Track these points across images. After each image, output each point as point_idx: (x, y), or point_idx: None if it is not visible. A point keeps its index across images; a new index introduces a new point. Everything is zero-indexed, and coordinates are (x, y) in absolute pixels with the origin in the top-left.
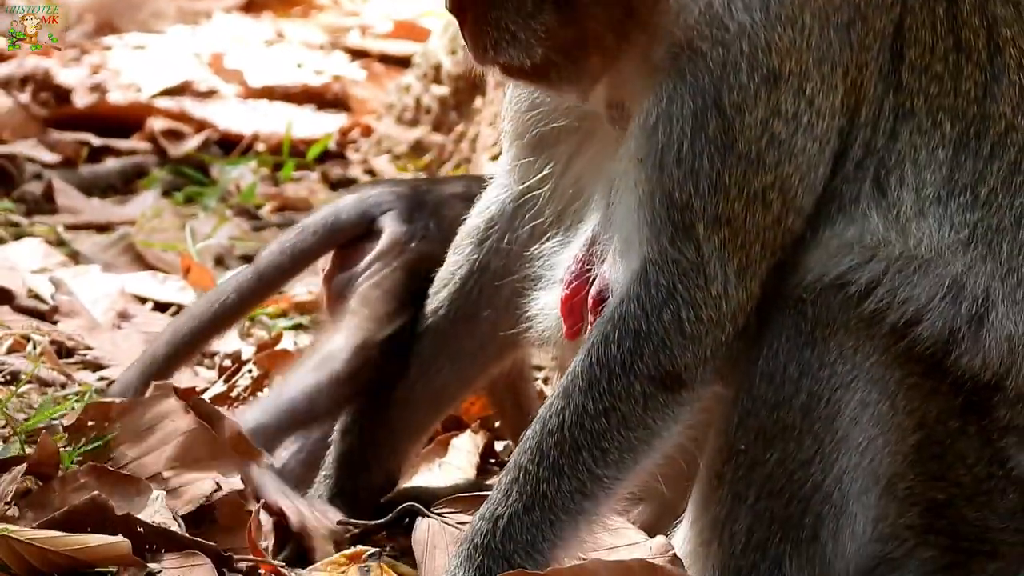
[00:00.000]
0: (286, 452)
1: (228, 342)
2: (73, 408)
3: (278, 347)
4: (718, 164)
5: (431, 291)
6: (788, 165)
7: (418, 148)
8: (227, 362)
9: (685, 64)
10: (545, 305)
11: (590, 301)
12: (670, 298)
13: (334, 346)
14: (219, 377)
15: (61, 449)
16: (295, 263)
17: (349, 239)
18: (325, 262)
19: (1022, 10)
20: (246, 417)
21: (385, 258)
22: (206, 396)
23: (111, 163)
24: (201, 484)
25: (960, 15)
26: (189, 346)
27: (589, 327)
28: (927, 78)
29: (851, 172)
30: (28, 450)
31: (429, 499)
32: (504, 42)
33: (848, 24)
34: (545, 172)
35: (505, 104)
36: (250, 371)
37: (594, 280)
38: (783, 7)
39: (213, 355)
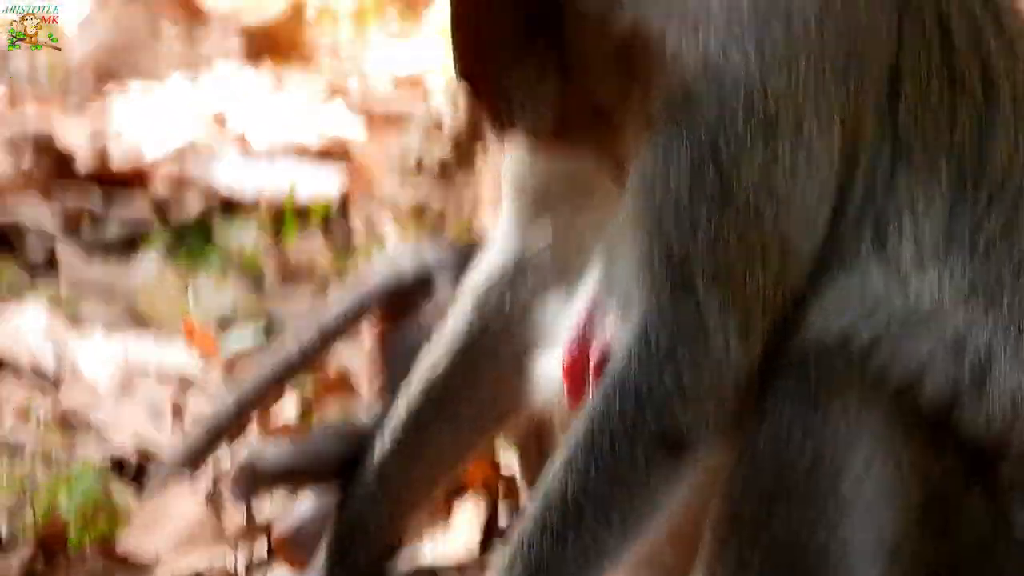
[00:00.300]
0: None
1: None
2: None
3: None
4: (716, 217)
5: (429, 353)
6: (787, 217)
7: (421, 208)
8: None
9: (681, 116)
10: (546, 368)
11: (592, 366)
12: (670, 358)
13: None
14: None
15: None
16: (356, 317)
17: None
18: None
19: (1015, 44)
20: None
21: (440, 317)
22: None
23: (113, 226)
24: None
25: (954, 49)
26: (253, 404)
27: (591, 390)
28: (924, 120)
29: (850, 224)
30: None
31: (431, 573)
32: (516, 107)
33: (844, 66)
34: (546, 232)
35: (506, 163)
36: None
37: (596, 343)
38: (777, 52)
39: None
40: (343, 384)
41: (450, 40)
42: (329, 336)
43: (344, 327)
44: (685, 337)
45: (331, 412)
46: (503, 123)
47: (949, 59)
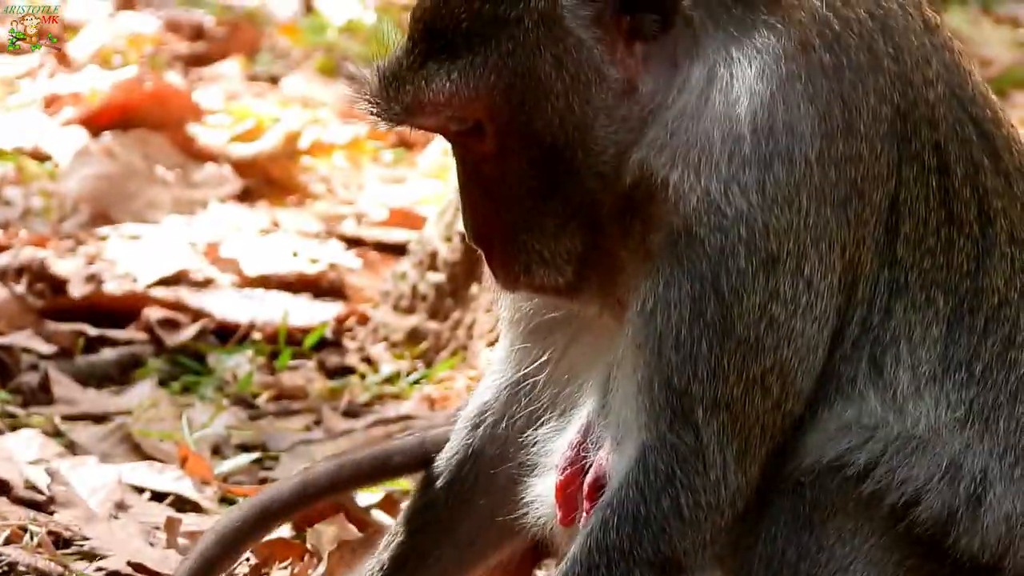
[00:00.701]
0: None
1: None
2: None
3: (275, 536)
4: (717, 349)
5: (427, 477)
6: (787, 348)
7: (415, 336)
8: None
9: (683, 250)
10: (541, 492)
11: (586, 488)
12: (669, 484)
13: None
14: None
15: None
16: (342, 484)
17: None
18: None
19: (1012, 181)
20: None
21: None
22: None
23: (107, 353)
24: None
25: (951, 187)
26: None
27: (585, 514)
28: (921, 252)
29: (848, 351)
30: None
31: None
32: (535, 264)
33: (845, 200)
34: (542, 359)
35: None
36: (247, 559)
37: (590, 467)
38: (780, 189)
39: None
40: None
41: (459, 205)
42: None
43: (327, 488)
44: (684, 464)
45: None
46: (517, 280)
47: (947, 196)
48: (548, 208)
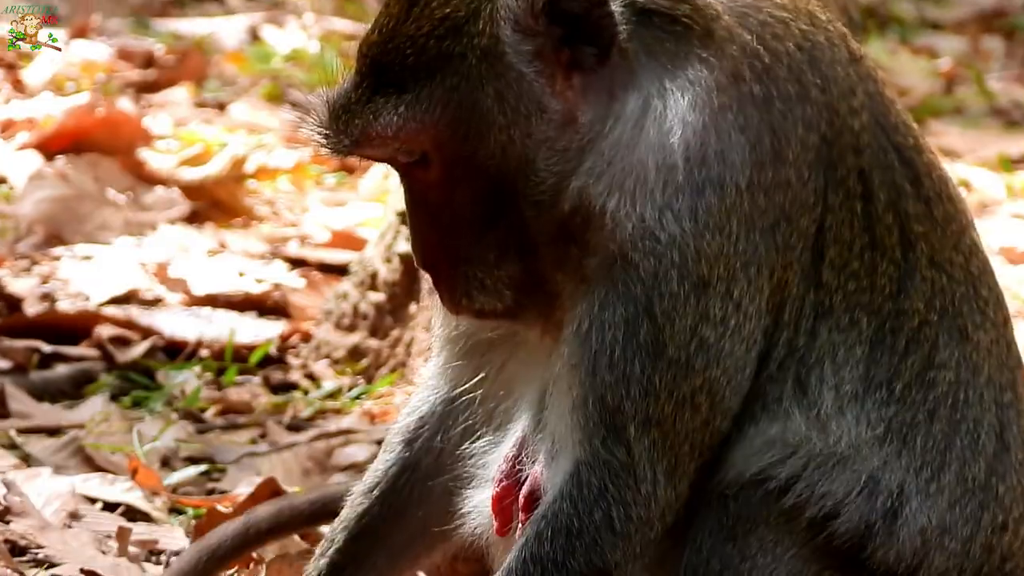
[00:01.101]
0: None
1: (173, 538)
2: None
3: None
4: (649, 369)
5: (362, 489)
6: (716, 368)
7: (356, 353)
8: (173, 559)
9: (618, 274)
10: (477, 503)
11: (521, 500)
12: (601, 497)
13: None
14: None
15: None
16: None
17: None
18: None
19: (931, 206)
20: None
21: None
22: None
23: (61, 369)
24: None
25: (875, 212)
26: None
27: (520, 524)
28: (845, 275)
29: (774, 371)
30: None
31: None
32: (475, 291)
33: (773, 226)
34: (478, 377)
35: (436, 311)
36: None
37: (525, 479)
38: (711, 216)
39: (160, 553)
40: None
41: (407, 229)
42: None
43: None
44: (616, 479)
45: None
46: (460, 304)
47: (870, 221)
48: (489, 236)
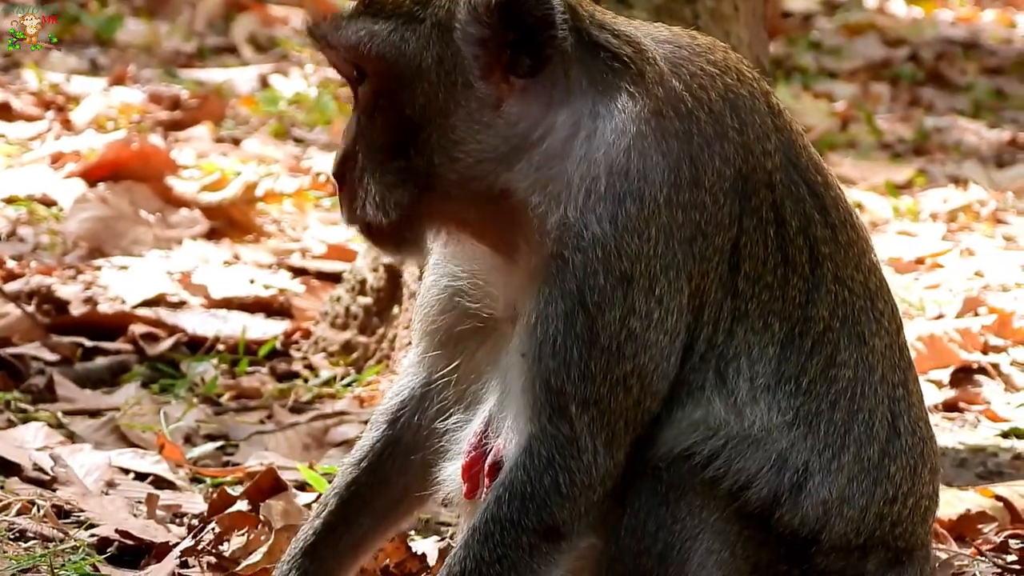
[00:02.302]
0: None
1: (195, 504)
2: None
3: (235, 509)
4: (586, 356)
5: (351, 461)
6: (644, 355)
7: (348, 347)
8: (194, 521)
9: (556, 270)
10: (450, 472)
11: (486, 468)
12: (550, 466)
13: None
14: (188, 534)
15: None
16: None
17: None
18: None
19: (837, 232)
20: None
21: None
22: (176, 550)
23: (100, 361)
24: None
25: (787, 235)
26: None
27: (485, 490)
28: (760, 287)
29: (697, 363)
30: None
31: None
32: (368, 204)
33: (691, 239)
34: (453, 364)
35: (416, 306)
36: (213, 528)
37: (490, 451)
38: (630, 221)
39: (183, 515)
40: None
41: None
42: None
43: None
44: (562, 450)
45: None
46: (355, 216)
47: (783, 243)
48: (394, 163)
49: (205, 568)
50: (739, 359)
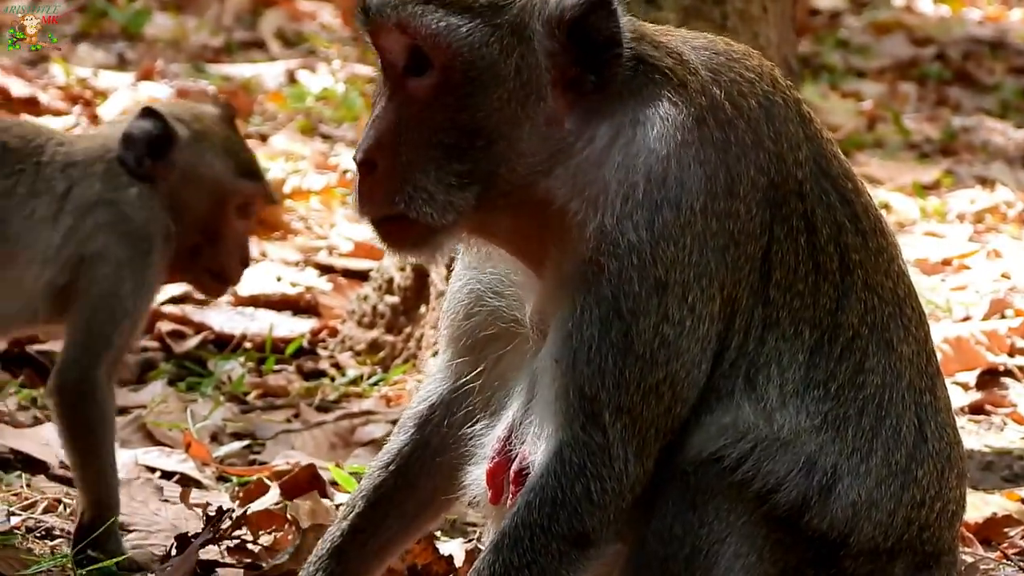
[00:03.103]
0: None
1: (221, 502)
2: None
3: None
4: (620, 363)
5: (379, 464)
6: (676, 363)
7: (375, 346)
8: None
9: (591, 277)
10: (476, 476)
11: (512, 474)
12: (581, 474)
13: None
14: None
15: None
16: None
17: None
18: None
19: (867, 239)
20: None
21: None
22: (199, 540)
23: (128, 358)
24: None
25: (818, 243)
26: None
27: (511, 495)
28: (791, 295)
29: (727, 369)
30: None
31: None
32: (420, 199)
33: (724, 248)
34: (478, 369)
35: (443, 312)
36: (232, 512)
37: (515, 457)
38: (667, 228)
39: (206, 506)
40: None
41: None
42: None
43: None
44: (594, 458)
45: None
46: (381, 208)
47: (814, 251)
48: (453, 166)
49: (226, 555)
50: (769, 366)
